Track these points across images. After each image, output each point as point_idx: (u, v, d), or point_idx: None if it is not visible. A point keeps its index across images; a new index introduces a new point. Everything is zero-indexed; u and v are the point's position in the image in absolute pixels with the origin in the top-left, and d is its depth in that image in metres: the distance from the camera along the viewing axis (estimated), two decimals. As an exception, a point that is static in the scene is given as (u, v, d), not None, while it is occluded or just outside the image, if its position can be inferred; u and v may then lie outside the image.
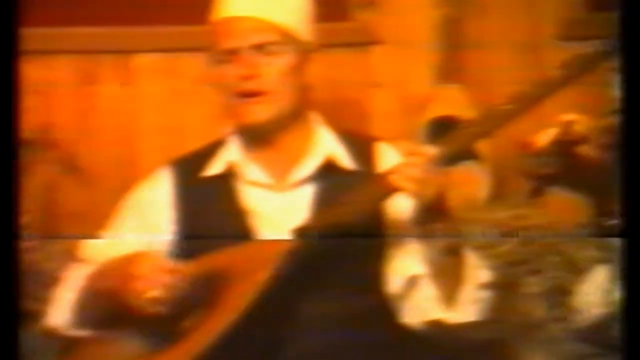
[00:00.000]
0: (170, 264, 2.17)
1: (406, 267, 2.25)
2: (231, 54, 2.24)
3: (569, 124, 2.22)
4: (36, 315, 2.36)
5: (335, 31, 2.70)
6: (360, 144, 2.35)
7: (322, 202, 2.25)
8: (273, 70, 2.23)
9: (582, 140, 2.35)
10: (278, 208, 2.29)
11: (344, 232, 2.17)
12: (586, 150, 2.32)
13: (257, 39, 2.23)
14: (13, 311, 1.51)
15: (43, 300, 2.34)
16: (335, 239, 2.18)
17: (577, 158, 2.36)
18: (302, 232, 2.17)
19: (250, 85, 2.22)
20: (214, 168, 2.32)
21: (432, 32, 2.83)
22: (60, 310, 2.27)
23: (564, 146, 2.38)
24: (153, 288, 2.13)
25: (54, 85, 2.70)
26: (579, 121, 2.37)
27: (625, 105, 1.59)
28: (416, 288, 2.24)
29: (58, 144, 2.41)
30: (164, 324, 2.15)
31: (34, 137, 2.33)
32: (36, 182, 2.29)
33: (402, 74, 2.85)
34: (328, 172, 2.28)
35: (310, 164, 2.29)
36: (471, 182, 2.64)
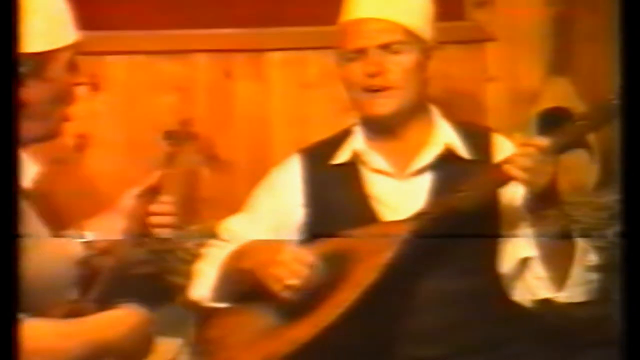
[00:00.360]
0: (310, 257, 2.24)
1: (519, 249, 2.29)
2: (359, 53, 2.30)
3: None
4: (179, 289, 2.52)
5: (453, 30, 2.74)
6: (477, 135, 2.40)
7: (441, 189, 2.31)
8: (398, 67, 2.30)
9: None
10: (399, 194, 2.36)
11: (460, 221, 2.22)
12: None
13: (384, 39, 2.30)
14: (13, 311, 1.46)
15: (184, 275, 2.50)
16: (450, 225, 2.22)
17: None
18: (421, 217, 2.24)
19: (377, 82, 2.30)
20: (341, 156, 2.39)
21: (542, 28, 2.83)
22: (201, 285, 2.38)
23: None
24: (292, 277, 2.21)
25: (194, 82, 2.75)
26: None
27: (625, 107, 1.52)
28: (528, 269, 2.28)
29: (198, 135, 2.43)
30: (294, 299, 2.23)
31: (176, 129, 2.38)
32: (178, 171, 2.31)
33: (515, 68, 2.87)
34: (446, 161, 2.35)
35: (429, 154, 2.36)
36: (581, 169, 2.65)
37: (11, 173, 1.44)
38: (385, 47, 2.29)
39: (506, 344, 2.34)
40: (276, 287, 2.21)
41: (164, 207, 2.23)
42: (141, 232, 2.23)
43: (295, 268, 2.21)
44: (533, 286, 2.27)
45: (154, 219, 2.22)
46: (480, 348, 2.29)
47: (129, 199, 2.23)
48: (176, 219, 2.25)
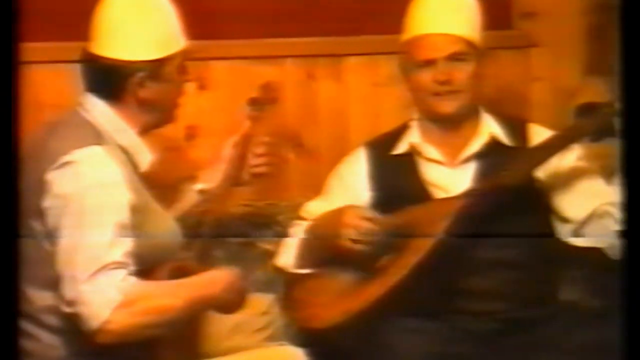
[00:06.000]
0: (369, 212, 2.39)
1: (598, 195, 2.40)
2: (429, 63, 2.44)
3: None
4: (270, 255, 2.65)
5: (503, 37, 2.91)
6: (516, 125, 2.54)
7: (487, 172, 2.45)
8: (462, 74, 2.44)
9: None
10: (452, 178, 2.49)
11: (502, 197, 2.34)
12: None
13: (450, 50, 2.44)
14: (13, 312, 1.39)
15: (276, 244, 2.62)
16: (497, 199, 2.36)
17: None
18: (470, 193, 2.42)
19: (445, 88, 2.44)
20: (400, 148, 2.54)
21: (579, 35, 2.97)
22: (287, 254, 2.54)
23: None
24: (356, 232, 2.36)
25: (283, 82, 2.79)
26: None
27: (625, 107, 1.47)
28: (611, 205, 2.36)
29: (279, 99, 2.49)
30: (366, 263, 2.39)
31: (259, 95, 2.44)
32: (264, 132, 2.39)
33: (556, 70, 2.99)
34: (491, 148, 2.49)
35: (477, 143, 2.50)
36: (610, 156, 2.56)
37: (11, 174, 1.40)
38: (451, 58, 2.43)
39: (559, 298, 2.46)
40: (345, 243, 2.35)
41: (259, 148, 2.35)
42: (241, 176, 2.36)
43: (358, 223, 2.35)
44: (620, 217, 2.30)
45: (252, 161, 2.35)
46: (536, 303, 2.40)
47: (227, 149, 2.35)
48: (271, 158, 2.36)
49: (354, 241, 2.36)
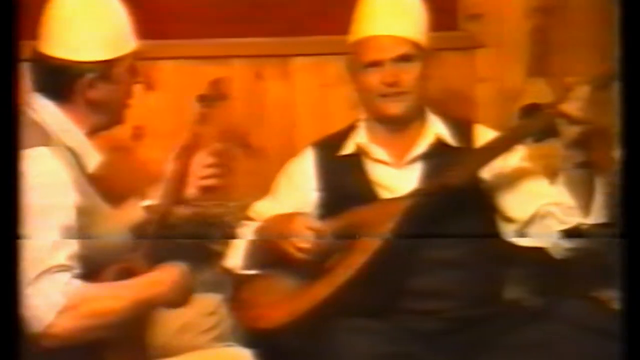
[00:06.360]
0: (317, 223, 2.38)
1: (543, 194, 2.38)
2: (376, 65, 2.44)
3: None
4: (218, 256, 2.61)
5: (449, 39, 2.91)
6: (461, 126, 2.55)
7: (433, 172, 2.45)
8: (410, 75, 2.44)
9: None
10: (398, 179, 2.48)
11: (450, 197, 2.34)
12: None
13: (397, 52, 2.43)
14: (13, 312, 1.39)
15: (224, 244, 2.60)
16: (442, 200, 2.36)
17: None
18: (416, 193, 2.40)
19: (392, 89, 2.44)
20: (347, 148, 2.54)
21: (524, 37, 2.99)
22: (235, 255, 2.54)
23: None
24: (303, 241, 2.35)
25: (231, 82, 2.72)
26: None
27: (626, 106, 1.46)
28: (556, 206, 2.34)
29: (228, 95, 2.49)
30: (313, 264, 2.39)
31: (208, 92, 2.43)
32: (213, 130, 2.36)
33: (500, 71, 3.01)
34: (437, 149, 2.49)
35: (423, 144, 2.50)
36: (554, 156, 2.57)
37: (11, 175, 1.39)
38: (398, 59, 2.43)
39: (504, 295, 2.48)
40: (291, 251, 2.36)
41: (207, 159, 2.28)
42: (185, 191, 2.26)
43: (305, 233, 2.35)
44: (563, 216, 2.34)
45: (200, 172, 2.27)
46: (480, 302, 2.41)
47: (169, 163, 2.28)
48: (221, 169, 2.28)
49: (300, 250, 2.37)
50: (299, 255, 2.37)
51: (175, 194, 2.26)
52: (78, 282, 1.95)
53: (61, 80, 2.11)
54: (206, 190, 2.32)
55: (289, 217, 2.43)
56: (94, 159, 2.14)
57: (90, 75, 2.10)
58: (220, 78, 2.48)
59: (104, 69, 2.12)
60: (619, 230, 1.64)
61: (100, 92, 2.13)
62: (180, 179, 2.28)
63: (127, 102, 2.21)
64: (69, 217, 1.99)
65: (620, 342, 1.56)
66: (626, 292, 1.44)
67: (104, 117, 2.17)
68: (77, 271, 1.96)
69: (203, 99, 2.42)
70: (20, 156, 1.70)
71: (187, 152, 2.30)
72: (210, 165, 2.31)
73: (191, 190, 2.30)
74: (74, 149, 2.11)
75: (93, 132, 2.16)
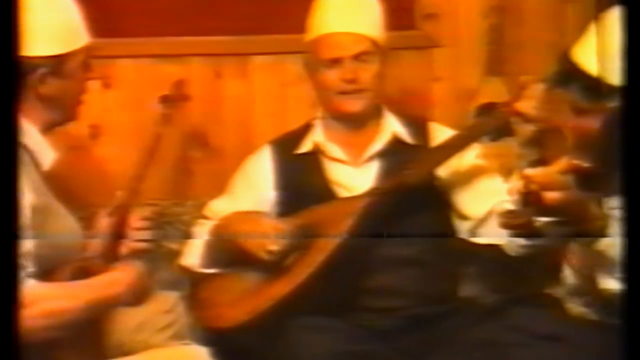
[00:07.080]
0: (285, 226, 2.38)
1: (493, 194, 2.38)
2: (335, 62, 2.45)
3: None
4: (176, 254, 2.64)
5: (405, 38, 2.93)
6: (417, 124, 2.58)
7: (389, 170, 2.47)
8: (368, 73, 2.45)
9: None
10: (355, 177, 2.51)
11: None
12: None
13: (356, 50, 2.44)
14: (13, 313, 1.36)
15: (181, 243, 2.64)
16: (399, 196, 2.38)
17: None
18: (373, 192, 2.43)
19: (351, 86, 2.45)
20: (304, 147, 2.55)
21: (479, 37, 3.01)
22: (192, 253, 2.56)
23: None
24: (272, 244, 2.37)
25: (189, 81, 2.74)
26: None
27: (626, 105, 1.41)
28: (497, 213, 2.24)
29: (190, 97, 2.53)
30: (272, 263, 2.41)
31: (170, 93, 2.44)
32: (175, 131, 2.36)
33: (457, 70, 3.03)
34: (393, 147, 2.52)
35: (380, 142, 2.52)
36: (509, 154, 2.66)
37: (11, 174, 1.37)
38: (357, 57, 2.44)
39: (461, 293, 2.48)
40: (260, 253, 2.37)
41: (138, 222, 2.21)
42: (119, 251, 2.19)
43: (274, 236, 2.37)
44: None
45: (131, 234, 2.20)
46: (437, 299, 2.43)
47: (103, 218, 2.21)
48: (153, 233, 2.23)
49: (266, 252, 2.38)
50: (266, 256, 2.38)
51: (105, 256, 2.19)
52: (32, 282, 1.93)
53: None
54: (137, 254, 2.23)
55: (247, 215, 2.44)
56: (48, 156, 2.11)
57: (41, 71, 2.07)
58: (182, 79, 2.50)
59: (55, 64, 2.09)
60: (617, 230, 1.69)
61: (52, 87, 2.10)
62: (112, 238, 2.21)
63: (81, 98, 2.19)
64: (22, 215, 1.85)
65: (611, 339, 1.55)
66: (626, 292, 1.42)
67: (57, 113, 2.14)
68: (30, 270, 1.93)
69: (165, 99, 2.44)
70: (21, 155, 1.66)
71: (118, 213, 2.22)
72: (141, 229, 2.23)
73: (123, 251, 2.24)
74: (27, 146, 2.08)
75: (47, 129, 2.13)
